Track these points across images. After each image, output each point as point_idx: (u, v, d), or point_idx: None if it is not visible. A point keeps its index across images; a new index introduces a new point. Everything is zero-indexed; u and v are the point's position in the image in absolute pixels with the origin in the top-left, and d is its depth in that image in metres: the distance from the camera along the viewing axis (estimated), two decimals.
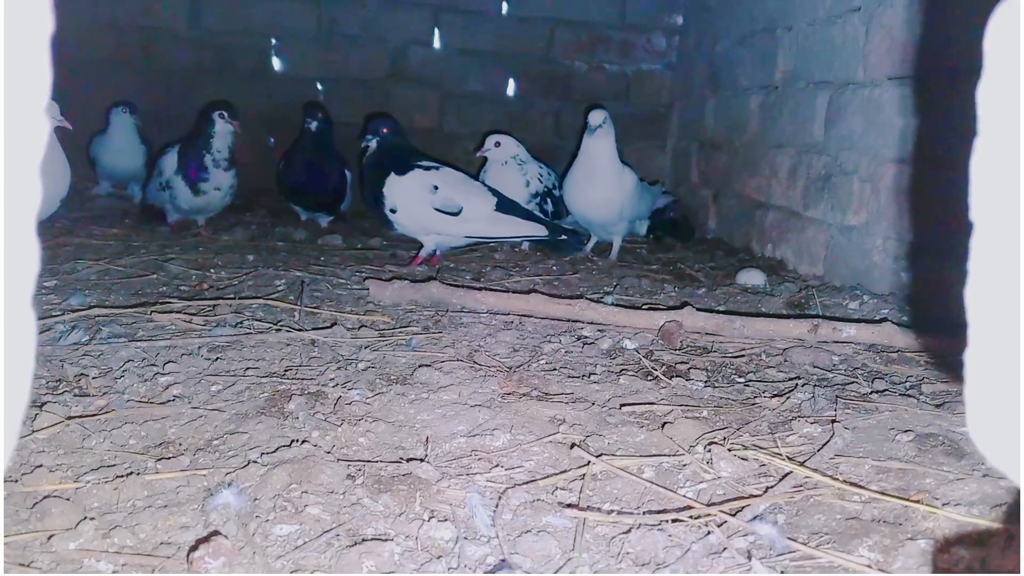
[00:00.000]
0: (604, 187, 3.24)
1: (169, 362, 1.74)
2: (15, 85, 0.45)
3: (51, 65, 0.49)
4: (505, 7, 4.68)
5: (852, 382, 1.78)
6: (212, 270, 2.71)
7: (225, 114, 3.39)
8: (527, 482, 1.28)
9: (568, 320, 2.23)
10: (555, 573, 1.04)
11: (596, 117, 3.17)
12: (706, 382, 1.77)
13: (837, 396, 1.66)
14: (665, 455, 1.39)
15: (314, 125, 3.73)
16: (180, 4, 4.48)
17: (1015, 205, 0.54)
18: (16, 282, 0.47)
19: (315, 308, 2.25)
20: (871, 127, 2.69)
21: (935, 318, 2.22)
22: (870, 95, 2.70)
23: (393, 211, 3.01)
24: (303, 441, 1.38)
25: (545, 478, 1.30)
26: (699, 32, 4.42)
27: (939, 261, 2.32)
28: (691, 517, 1.17)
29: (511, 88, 4.76)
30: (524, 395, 1.65)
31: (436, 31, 4.66)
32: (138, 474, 1.25)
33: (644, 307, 2.40)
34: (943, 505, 1.18)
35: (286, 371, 1.75)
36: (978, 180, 0.55)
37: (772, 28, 3.45)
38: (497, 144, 3.60)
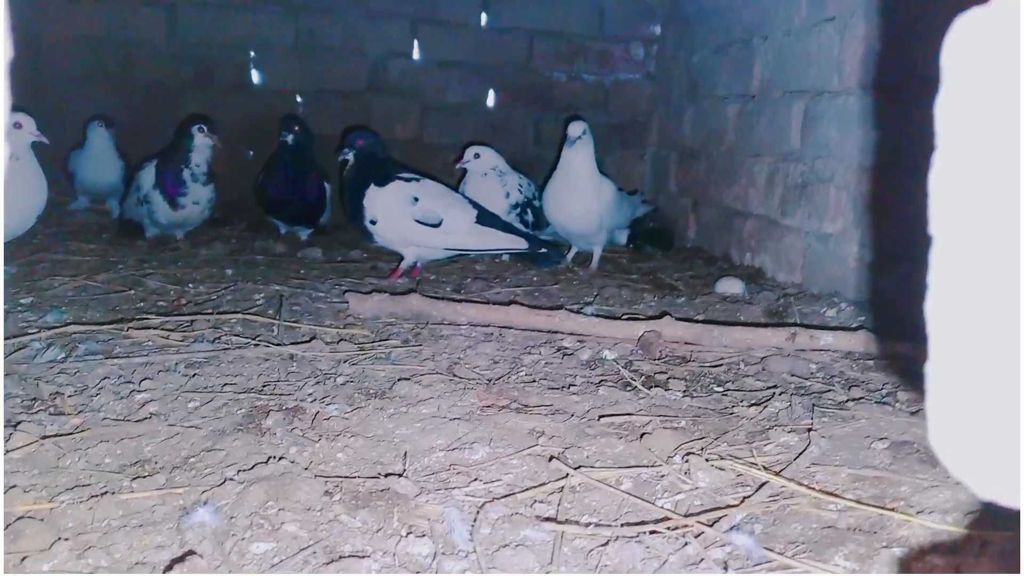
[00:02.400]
0: (583, 198, 3.26)
1: (146, 379, 1.73)
2: None
3: (9, 89, 0.49)
4: (484, 18, 4.69)
5: (829, 390, 1.79)
6: (190, 285, 2.70)
7: (204, 128, 3.38)
8: (505, 496, 1.28)
9: (548, 331, 2.23)
10: None
11: (575, 129, 3.19)
12: (684, 392, 1.78)
13: (814, 404, 1.67)
14: (643, 466, 1.39)
15: (290, 138, 3.72)
16: (159, 17, 4.47)
17: (973, 219, 0.55)
18: None
19: (294, 322, 2.25)
20: (847, 135, 2.71)
21: (911, 325, 2.24)
22: (845, 103, 2.72)
23: (373, 222, 3.00)
24: (280, 458, 1.37)
25: (524, 491, 1.30)
26: (677, 42, 4.45)
27: (915, 268, 2.33)
28: (669, 528, 1.17)
29: (491, 99, 4.77)
30: (503, 408, 1.65)
31: (415, 42, 4.67)
32: (113, 493, 1.24)
33: (624, 317, 2.40)
34: (918, 513, 1.19)
35: (264, 387, 1.74)
36: (937, 194, 0.55)
37: (748, 38, 3.48)
38: (477, 156, 3.60)
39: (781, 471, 1.34)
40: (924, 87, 2.36)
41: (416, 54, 4.69)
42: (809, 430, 1.50)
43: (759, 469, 1.34)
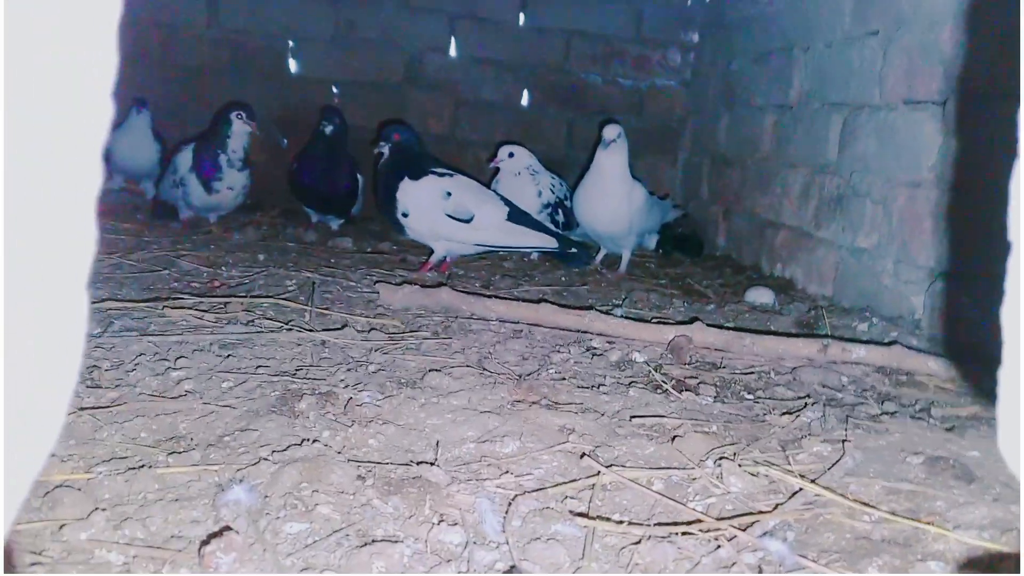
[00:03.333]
0: (614, 201, 3.25)
1: (181, 357, 1.75)
2: (83, 64, 0.46)
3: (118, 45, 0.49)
4: (522, 18, 4.69)
5: (862, 403, 1.78)
6: (223, 268, 2.72)
7: (243, 114, 3.41)
8: (536, 489, 1.28)
9: (577, 331, 2.23)
10: None
11: (611, 132, 3.18)
12: (715, 397, 1.77)
13: (847, 416, 1.66)
14: (675, 468, 1.39)
15: (329, 129, 3.74)
16: (199, 1, 4.50)
17: None
18: (74, 266, 0.47)
19: (325, 309, 2.26)
20: (885, 149, 2.69)
21: (945, 343, 2.22)
22: (886, 118, 2.70)
23: (405, 215, 3.01)
24: (314, 440, 1.38)
25: (555, 486, 1.30)
26: (714, 49, 4.43)
27: (950, 285, 2.32)
28: (701, 531, 1.17)
29: (525, 98, 4.77)
30: (533, 403, 1.65)
31: (452, 39, 4.68)
32: (149, 467, 1.25)
33: (653, 321, 2.40)
34: (954, 528, 1.17)
35: (297, 371, 1.75)
36: (1018, 199, 0.55)
37: (789, 48, 3.46)
38: (511, 155, 3.61)
39: (815, 480, 1.34)
40: (973, 103, 2.34)
41: (453, 50, 4.70)
42: (843, 441, 1.49)
43: (795, 476, 1.33)
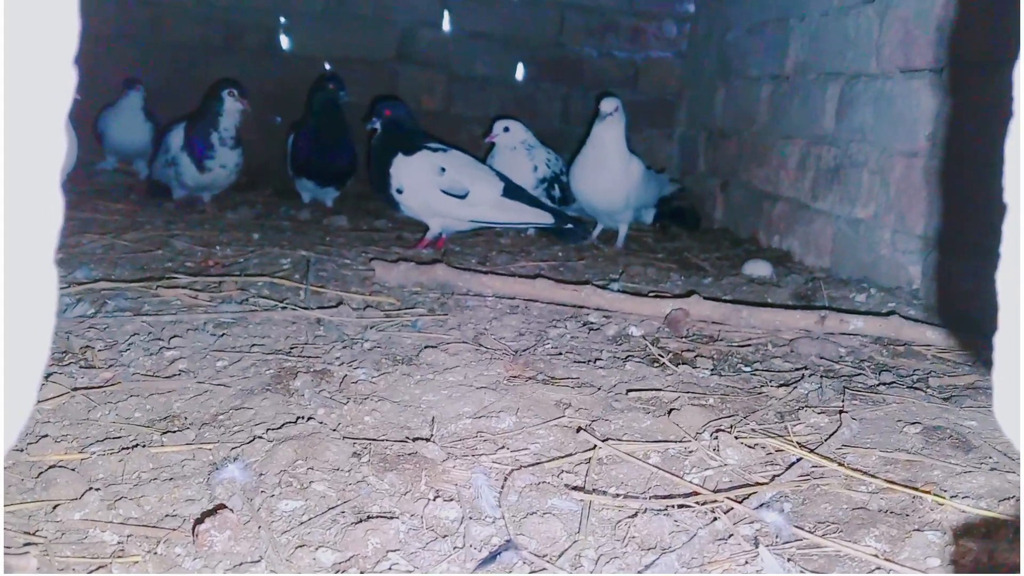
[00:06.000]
0: (611, 175, 3.23)
1: (175, 337, 1.74)
2: (43, 32, 0.44)
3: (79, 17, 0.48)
4: None
5: (859, 374, 1.77)
6: (217, 247, 2.70)
7: (235, 92, 3.38)
8: (533, 464, 1.28)
9: (574, 306, 2.22)
10: (560, 555, 1.04)
11: (608, 105, 3.16)
12: (712, 370, 1.77)
13: (844, 387, 1.65)
14: (671, 441, 1.38)
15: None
16: None
17: None
18: (39, 238, 0.46)
19: (320, 287, 2.25)
20: (882, 119, 2.67)
21: (943, 312, 2.22)
22: (882, 87, 2.68)
23: (399, 191, 2.99)
24: (309, 418, 1.37)
25: (551, 461, 1.29)
26: (710, 20, 4.39)
27: (947, 256, 2.31)
28: (697, 503, 1.16)
29: (519, 72, 4.73)
30: (530, 378, 1.65)
31: (445, 13, 4.63)
32: (143, 447, 1.25)
33: (650, 294, 2.39)
34: (951, 497, 1.17)
35: (291, 349, 1.74)
36: (1012, 162, 0.54)
37: (784, 18, 3.43)
38: (506, 129, 3.58)
39: (812, 450, 1.33)
40: (969, 71, 2.32)
41: (446, 25, 4.65)
42: (840, 412, 1.48)
43: (792, 447, 1.33)
